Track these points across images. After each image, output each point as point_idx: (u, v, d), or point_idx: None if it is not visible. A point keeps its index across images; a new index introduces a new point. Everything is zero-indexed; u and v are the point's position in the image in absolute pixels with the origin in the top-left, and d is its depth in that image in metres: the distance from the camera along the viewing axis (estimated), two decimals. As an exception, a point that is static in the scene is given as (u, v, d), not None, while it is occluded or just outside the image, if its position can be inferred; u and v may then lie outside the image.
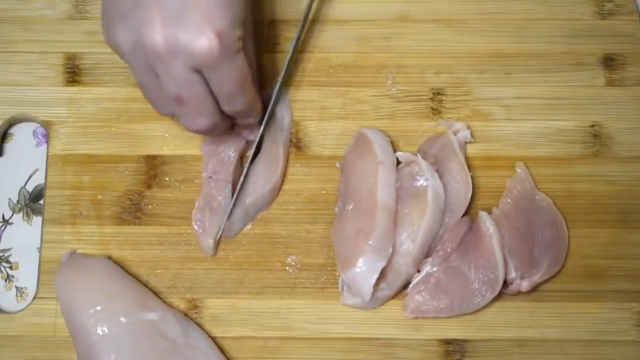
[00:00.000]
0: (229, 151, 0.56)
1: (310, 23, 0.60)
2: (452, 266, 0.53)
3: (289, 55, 0.56)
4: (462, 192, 0.55)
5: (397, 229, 0.53)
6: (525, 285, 0.53)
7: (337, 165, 0.56)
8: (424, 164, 0.54)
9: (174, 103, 0.49)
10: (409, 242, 0.52)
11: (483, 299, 0.53)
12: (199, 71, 0.47)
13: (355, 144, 0.56)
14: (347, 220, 0.53)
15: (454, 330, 0.54)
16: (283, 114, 0.57)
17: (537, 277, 0.53)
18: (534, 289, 0.54)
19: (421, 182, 0.53)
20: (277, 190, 0.56)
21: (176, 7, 0.45)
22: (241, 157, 0.57)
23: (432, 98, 0.58)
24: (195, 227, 0.55)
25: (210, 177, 0.55)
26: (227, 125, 0.53)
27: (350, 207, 0.53)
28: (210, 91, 0.49)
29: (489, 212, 0.54)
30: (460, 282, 0.53)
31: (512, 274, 0.53)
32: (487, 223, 0.53)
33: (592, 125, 0.58)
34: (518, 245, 0.53)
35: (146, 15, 0.46)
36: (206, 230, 0.55)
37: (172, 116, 0.53)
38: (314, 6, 0.60)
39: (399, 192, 0.54)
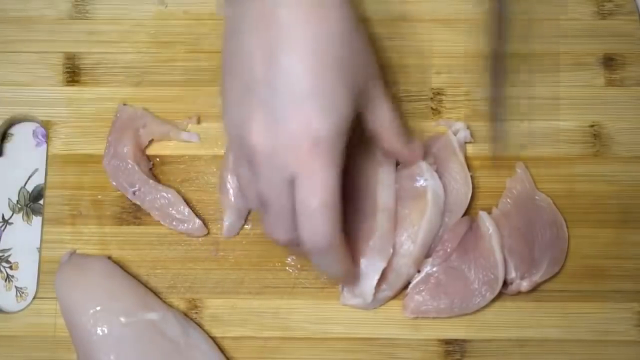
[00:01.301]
0: None
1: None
2: (452, 266, 0.53)
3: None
4: (462, 192, 0.55)
5: (397, 230, 0.53)
6: (525, 285, 0.53)
7: None
8: (423, 164, 0.54)
9: (260, 204, 0.47)
10: (409, 243, 0.52)
11: (483, 299, 0.53)
12: (292, 180, 0.44)
13: None
14: (347, 221, 0.53)
15: (454, 330, 0.54)
16: None
17: (537, 277, 0.53)
18: (534, 289, 0.53)
19: (421, 182, 0.53)
20: None
21: (278, 112, 0.44)
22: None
23: (432, 98, 0.58)
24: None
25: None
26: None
27: (349, 208, 0.53)
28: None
29: (489, 212, 0.54)
30: (460, 282, 0.53)
31: (512, 274, 0.53)
32: (487, 223, 0.53)
33: (592, 125, 0.58)
34: (518, 245, 0.53)
35: (248, 114, 0.44)
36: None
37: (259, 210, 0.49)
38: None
39: (399, 193, 0.54)
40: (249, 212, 0.56)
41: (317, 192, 0.44)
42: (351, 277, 0.52)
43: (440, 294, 0.53)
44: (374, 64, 0.49)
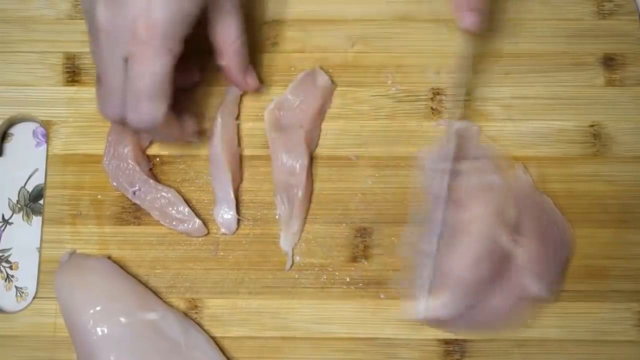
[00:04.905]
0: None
1: (310, 23, 0.60)
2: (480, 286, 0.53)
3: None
4: (513, 186, 0.54)
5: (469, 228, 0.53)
6: (550, 297, 0.53)
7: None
8: (485, 165, 0.54)
9: (96, 81, 0.50)
10: None
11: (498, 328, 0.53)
12: (125, 60, 0.48)
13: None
14: (454, 251, 0.53)
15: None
16: None
17: (557, 285, 0.53)
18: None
19: (490, 180, 0.53)
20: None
21: None
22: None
23: (432, 98, 0.58)
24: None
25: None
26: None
27: (460, 238, 0.53)
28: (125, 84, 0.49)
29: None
30: (483, 303, 0.53)
31: (541, 292, 0.52)
32: (523, 260, 0.52)
33: (592, 125, 0.58)
34: (542, 261, 0.53)
35: None
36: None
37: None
38: (314, 6, 0.60)
39: (470, 197, 0.53)
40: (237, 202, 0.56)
41: (145, 74, 0.47)
42: (179, 135, 0.55)
43: (469, 313, 0.53)
44: None
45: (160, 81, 0.48)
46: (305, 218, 0.56)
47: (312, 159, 0.57)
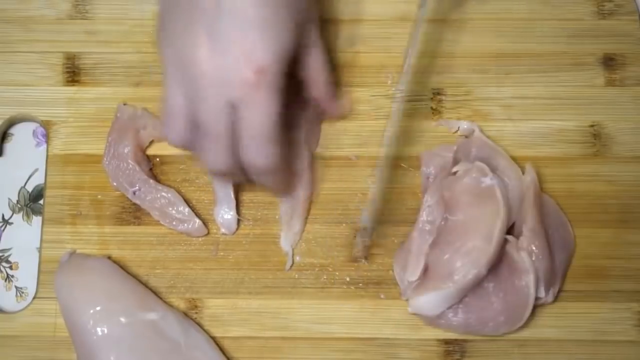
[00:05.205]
0: None
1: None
2: (483, 291, 0.53)
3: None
4: (516, 187, 0.54)
5: (469, 232, 0.52)
6: (550, 298, 0.53)
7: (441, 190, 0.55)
8: (482, 164, 0.53)
9: (196, 133, 0.48)
10: (486, 244, 0.51)
11: (511, 327, 0.52)
12: (232, 106, 0.46)
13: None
14: (447, 251, 0.52)
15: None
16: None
17: (558, 286, 0.53)
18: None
19: (487, 182, 0.52)
20: None
21: (223, 38, 0.45)
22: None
23: (432, 98, 0.58)
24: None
25: None
26: (240, 175, 0.51)
27: (453, 239, 0.52)
28: (235, 135, 0.47)
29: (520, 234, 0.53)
30: (489, 310, 0.52)
31: (542, 294, 0.52)
32: (525, 263, 0.52)
33: (592, 125, 0.58)
34: (544, 263, 0.52)
35: (193, 41, 0.45)
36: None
37: (185, 147, 0.50)
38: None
39: (461, 197, 0.53)
40: (237, 202, 0.56)
41: (263, 120, 0.46)
42: (290, 189, 0.55)
43: (469, 314, 0.53)
44: (315, 7, 0.51)
45: (275, 121, 0.47)
46: (307, 218, 0.56)
47: (312, 158, 0.57)
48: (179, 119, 0.48)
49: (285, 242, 0.55)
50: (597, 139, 0.57)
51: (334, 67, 0.57)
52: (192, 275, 0.55)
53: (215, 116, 0.47)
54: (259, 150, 0.47)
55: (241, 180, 0.52)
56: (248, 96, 0.46)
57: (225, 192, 0.55)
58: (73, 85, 0.58)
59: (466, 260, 0.51)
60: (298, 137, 0.56)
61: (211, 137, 0.47)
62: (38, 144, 0.59)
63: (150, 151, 0.57)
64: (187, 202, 0.55)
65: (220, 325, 0.54)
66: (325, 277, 0.55)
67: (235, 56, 0.45)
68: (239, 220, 0.55)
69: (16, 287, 0.57)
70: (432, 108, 0.58)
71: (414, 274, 0.53)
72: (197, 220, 0.55)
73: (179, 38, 0.46)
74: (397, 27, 0.60)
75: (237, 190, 0.56)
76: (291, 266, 0.55)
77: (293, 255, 0.55)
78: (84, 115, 0.58)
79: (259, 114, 0.46)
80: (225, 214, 0.55)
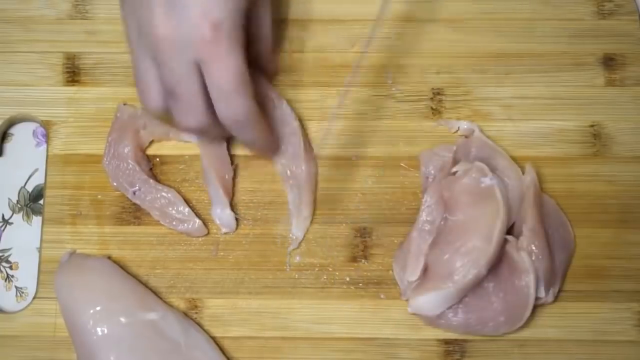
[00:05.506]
0: None
1: (310, 23, 0.60)
2: (483, 292, 0.52)
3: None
4: (516, 187, 0.54)
5: (469, 233, 0.52)
6: (550, 299, 0.53)
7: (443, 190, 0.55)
8: (481, 164, 0.53)
9: (168, 96, 0.49)
10: (486, 244, 0.51)
11: (511, 327, 0.52)
12: (197, 65, 0.47)
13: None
14: (447, 251, 0.52)
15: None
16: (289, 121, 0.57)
17: (558, 286, 0.53)
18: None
19: (487, 182, 0.52)
20: None
21: (178, 0, 0.46)
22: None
23: (432, 98, 0.58)
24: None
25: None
26: (219, 132, 0.52)
27: (453, 239, 0.52)
28: (206, 90, 0.48)
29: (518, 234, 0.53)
30: (483, 304, 0.52)
31: (542, 294, 0.52)
32: (526, 263, 0.52)
33: (592, 125, 0.58)
34: (544, 262, 0.52)
35: (151, 7, 0.47)
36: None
37: (159, 115, 0.51)
38: (313, 5, 0.60)
39: (461, 198, 0.53)
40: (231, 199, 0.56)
41: (229, 74, 0.47)
42: (274, 145, 0.55)
43: (458, 308, 0.53)
44: None
45: (241, 73, 0.48)
46: (314, 207, 0.56)
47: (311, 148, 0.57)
48: (151, 85, 0.49)
49: (297, 229, 0.55)
50: (597, 139, 0.57)
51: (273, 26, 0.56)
52: (192, 275, 0.55)
53: (181, 77, 0.48)
54: (229, 104, 0.48)
55: (222, 136, 0.53)
56: (209, 53, 0.47)
57: (215, 192, 0.55)
58: (73, 85, 0.58)
59: (466, 260, 0.51)
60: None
61: (182, 97, 0.49)
62: (38, 144, 0.59)
63: (150, 151, 0.57)
64: (187, 202, 0.55)
65: (220, 325, 0.54)
66: (325, 277, 0.55)
67: (190, 16, 0.46)
68: (237, 219, 0.55)
69: (16, 287, 0.57)
70: (431, 108, 0.58)
71: (413, 274, 0.53)
72: (197, 220, 0.55)
73: (139, 7, 0.48)
74: (397, 27, 0.59)
75: (232, 188, 0.56)
76: (293, 265, 0.55)
77: (300, 243, 0.55)
78: (84, 115, 0.58)
79: (223, 69, 0.47)
80: (222, 213, 0.55)
